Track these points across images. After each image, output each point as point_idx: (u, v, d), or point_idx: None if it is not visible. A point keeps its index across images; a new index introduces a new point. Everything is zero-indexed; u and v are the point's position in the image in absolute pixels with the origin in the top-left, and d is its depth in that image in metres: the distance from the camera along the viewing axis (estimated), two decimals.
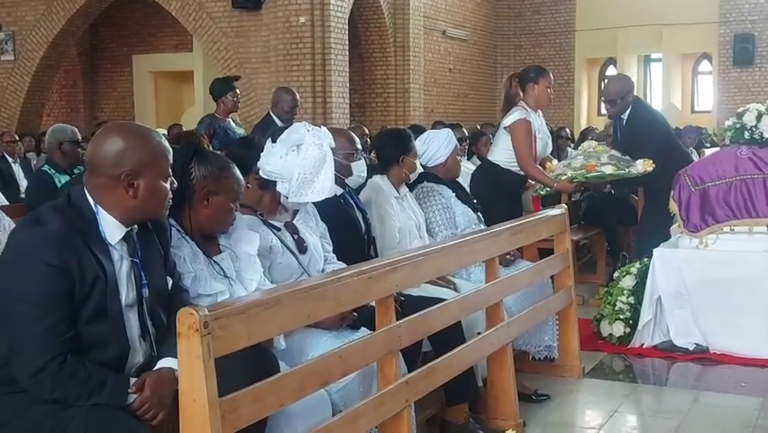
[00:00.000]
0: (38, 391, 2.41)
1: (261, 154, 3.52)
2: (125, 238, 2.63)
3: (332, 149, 3.55)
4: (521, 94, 5.91)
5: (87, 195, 2.60)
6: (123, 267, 2.61)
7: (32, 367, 2.40)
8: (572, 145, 10.78)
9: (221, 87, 7.53)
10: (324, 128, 3.61)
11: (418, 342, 3.53)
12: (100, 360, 2.49)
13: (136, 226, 2.68)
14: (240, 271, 3.12)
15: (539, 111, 5.97)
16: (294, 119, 7.24)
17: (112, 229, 2.59)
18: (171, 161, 2.70)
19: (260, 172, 3.52)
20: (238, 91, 7.65)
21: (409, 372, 3.33)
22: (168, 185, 2.68)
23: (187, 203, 3.03)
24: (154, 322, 2.68)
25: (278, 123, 6.95)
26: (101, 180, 2.60)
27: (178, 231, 3.01)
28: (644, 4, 18.50)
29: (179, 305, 2.75)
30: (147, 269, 2.67)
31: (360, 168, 4.19)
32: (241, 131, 7.53)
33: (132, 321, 2.61)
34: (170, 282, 2.79)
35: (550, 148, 6.29)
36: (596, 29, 19.18)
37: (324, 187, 3.48)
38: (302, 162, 3.42)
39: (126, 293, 2.60)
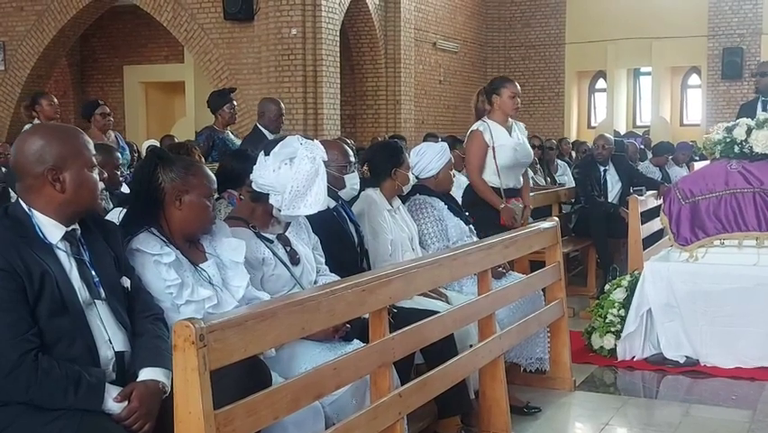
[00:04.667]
0: (14, 390, 2.43)
1: (254, 167, 3.53)
2: (68, 239, 2.66)
3: (324, 162, 3.56)
4: (488, 108, 5.97)
5: (21, 202, 2.65)
6: (72, 266, 2.63)
7: (5, 366, 2.41)
8: (566, 157, 10.83)
9: (218, 100, 7.57)
10: (316, 141, 3.62)
11: (411, 354, 3.54)
12: (69, 355, 2.51)
13: (78, 227, 2.70)
14: (227, 278, 3.13)
15: (511, 121, 5.96)
16: (281, 128, 7.25)
17: (50, 229, 2.62)
18: (94, 152, 2.73)
19: (253, 185, 3.53)
20: (235, 103, 7.68)
21: (402, 384, 3.33)
22: (95, 175, 2.71)
23: (161, 209, 3.05)
24: (118, 319, 2.69)
25: (267, 133, 6.94)
26: (28, 182, 2.64)
27: (162, 240, 3.02)
28: (633, 18, 18.62)
29: (141, 307, 2.80)
30: (96, 267, 2.69)
31: (353, 180, 4.21)
32: (239, 142, 7.54)
33: (94, 317, 2.63)
34: (128, 283, 2.80)
35: (526, 156, 6.00)
36: (586, 42, 19.30)
37: (317, 200, 3.49)
38: (295, 176, 3.43)
39: (81, 290, 2.61)
